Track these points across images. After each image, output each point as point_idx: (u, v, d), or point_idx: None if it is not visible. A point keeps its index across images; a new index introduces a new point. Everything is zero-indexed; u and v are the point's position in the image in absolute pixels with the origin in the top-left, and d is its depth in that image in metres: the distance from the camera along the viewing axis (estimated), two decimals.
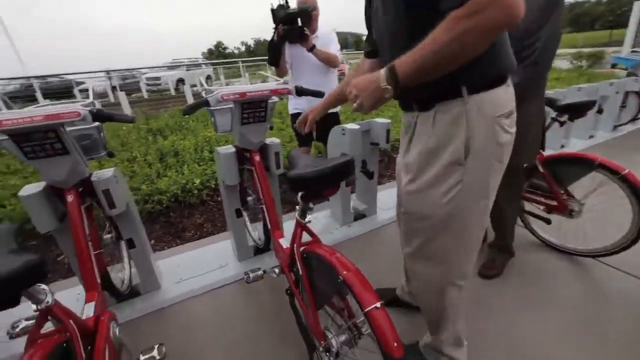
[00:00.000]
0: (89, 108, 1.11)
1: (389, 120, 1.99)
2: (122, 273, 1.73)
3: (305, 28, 1.96)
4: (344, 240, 2.15)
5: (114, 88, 13.33)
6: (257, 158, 1.56)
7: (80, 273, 1.23)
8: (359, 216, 2.35)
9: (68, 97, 11.24)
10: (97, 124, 1.29)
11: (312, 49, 2.03)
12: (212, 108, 1.47)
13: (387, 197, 2.57)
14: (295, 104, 2.39)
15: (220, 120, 1.57)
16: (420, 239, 0.98)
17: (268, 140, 1.66)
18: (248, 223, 2.03)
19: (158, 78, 13.01)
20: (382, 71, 0.74)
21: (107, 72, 11.60)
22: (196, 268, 1.90)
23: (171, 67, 14.37)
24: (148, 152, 3.73)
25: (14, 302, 0.69)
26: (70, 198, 1.25)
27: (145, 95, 12.06)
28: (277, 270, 1.40)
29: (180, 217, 2.56)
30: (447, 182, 0.85)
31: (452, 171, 0.84)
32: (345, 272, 0.88)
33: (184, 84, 13.51)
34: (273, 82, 1.50)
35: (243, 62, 12.96)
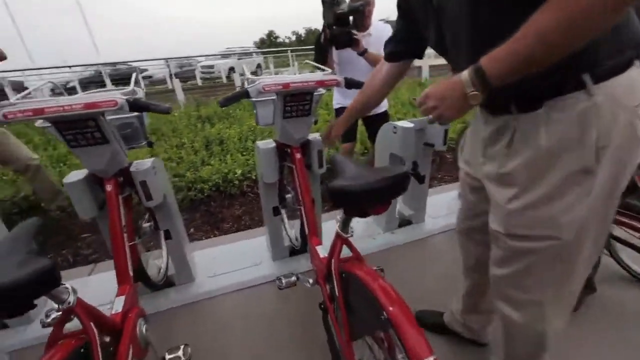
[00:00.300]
0: (126, 97, 1.06)
1: None
2: (159, 261, 1.74)
3: (354, 32, 1.78)
4: (387, 248, 1.97)
5: (172, 75, 14.21)
6: (298, 155, 1.44)
7: (114, 265, 1.21)
8: (404, 222, 2.15)
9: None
10: (136, 113, 1.25)
11: (363, 52, 1.85)
12: (253, 99, 1.37)
13: (437, 203, 2.33)
14: (339, 99, 2.23)
15: (262, 112, 1.47)
16: (525, 262, 0.78)
17: (311, 136, 1.53)
18: (286, 221, 1.94)
19: (212, 66, 13.53)
20: (465, 74, 0.61)
21: (166, 59, 12.29)
22: (230, 263, 1.85)
23: (224, 56, 14.87)
24: (195, 139, 3.82)
25: (28, 308, 0.64)
26: (109, 188, 1.24)
27: (199, 82, 12.63)
28: (311, 280, 1.28)
29: (220, 207, 2.56)
30: (571, 196, 0.66)
31: (577, 181, 0.65)
32: (391, 309, 0.72)
33: (234, 72, 13.97)
34: (319, 73, 1.35)
35: (292, 51, 12.97)
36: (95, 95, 1.07)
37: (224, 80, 12.77)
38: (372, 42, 1.94)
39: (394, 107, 4.95)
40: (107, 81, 10.81)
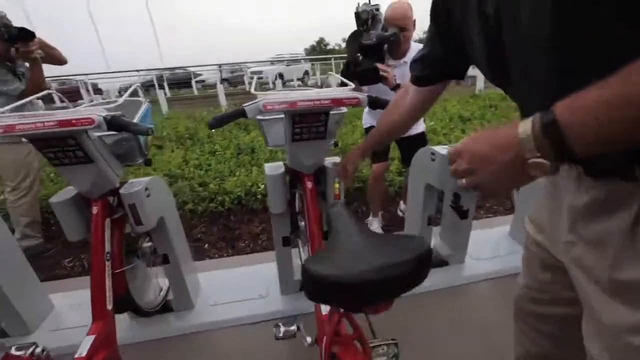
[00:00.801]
0: (104, 114, 0.92)
1: None
2: (161, 282, 1.62)
3: (383, 66, 1.54)
4: (414, 293, 1.65)
5: (224, 80, 14.88)
6: (310, 184, 1.21)
7: (91, 297, 1.08)
8: (439, 263, 1.82)
9: (187, 87, 12.96)
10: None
11: (395, 88, 1.58)
12: (259, 118, 1.18)
13: (481, 241, 1.95)
14: (368, 119, 1.98)
15: (270, 132, 1.27)
16: None
17: (328, 161, 1.30)
18: (301, 252, 1.72)
19: (261, 72, 13.92)
20: (527, 127, 0.38)
21: (219, 65, 12.87)
22: (235, 292, 1.68)
23: (273, 62, 15.24)
24: (229, 146, 3.78)
25: None
26: (95, 210, 1.12)
27: (247, 87, 13.01)
28: (309, 340, 1.04)
29: (239, 223, 2.42)
30: None
31: None
32: None
33: (283, 78, 14.22)
34: (339, 89, 1.11)
35: (335, 58, 12.92)
36: (75, 111, 0.94)
37: (271, 85, 13.06)
38: (408, 72, 1.68)
39: (440, 121, 4.52)
40: (165, 85, 11.57)
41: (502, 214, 2.44)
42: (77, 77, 11.23)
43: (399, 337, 0.84)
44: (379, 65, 1.54)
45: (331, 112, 1.17)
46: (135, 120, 1.20)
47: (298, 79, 13.94)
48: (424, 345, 1.34)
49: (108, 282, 1.12)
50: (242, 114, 0.96)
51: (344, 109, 1.18)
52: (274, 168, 1.30)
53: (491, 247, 1.95)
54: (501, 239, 2.02)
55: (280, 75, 13.37)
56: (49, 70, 2.11)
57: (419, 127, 1.94)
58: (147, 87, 11.55)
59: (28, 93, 1.84)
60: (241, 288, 1.71)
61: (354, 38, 1.58)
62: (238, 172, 2.99)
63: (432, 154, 1.41)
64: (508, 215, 2.37)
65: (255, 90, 1.05)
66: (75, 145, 0.98)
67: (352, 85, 1.12)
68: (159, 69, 12.96)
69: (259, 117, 1.18)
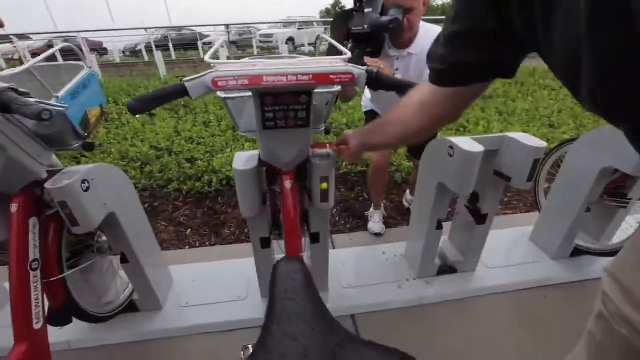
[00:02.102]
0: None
1: (544, 143, 1.09)
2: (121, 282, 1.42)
3: (379, 60, 1.20)
4: (413, 305, 1.43)
5: (232, 43, 14.18)
6: (288, 184, 0.94)
7: (11, 314, 0.88)
8: (447, 269, 1.57)
9: (194, 49, 12.34)
10: (56, 105, 0.85)
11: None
12: (223, 96, 0.89)
13: (497, 245, 1.68)
14: (368, 102, 1.65)
15: (240, 114, 0.98)
16: None
17: (317, 152, 1.02)
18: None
19: (270, 35, 13.13)
20: None
21: (227, 26, 12.17)
22: (210, 291, 1.48)
23: (285, 25, 14.33)
24: (225, 116, 3.49)
25: None
26: (13, 208, 0.89)
27: (255, 52, 12.36)
28: None
29: (227, 207, 2.19)
30: None
31: None
32: None
33: (294, 43, 13.42)
34: (330, 58, 0.79)
35: None
36: None
37: (280, 50, 12.36)
38: (413, 64, 1.33)
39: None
40: (170, 46, 11.02)
41: (521, 212, 2.14)
42: (82, 34, 10.75)
43: None
44: (368, 60, 1.18)
45: (317, 91, 0.88)
46: (63, 92, 0.93)
47: (310, 44, 13.13)
48: None
49: (35, 295, 0.91)
50: (182, 92, 0.68)
51: (337, 87, 0.88)
52: (245, 159, 1.02)
53: (509, 252, 1.68)
54: (521, 243, 1.74)
55: (291, 40, 12.60)
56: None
57: None
58: (155, 46, 10.98)
59: None
60: (219, 286, 1.51)
61: (341, 19, 1.21)
62: (230, 149, 2.72)
63: (451, 147, 1.10)
64: (530, 214, 2.08)
65: (211, 58, 0.75)
66: None
67: (347, 53, 0.81)
68: (165, 28, 12.33)
69: (222, 94, 0.89)
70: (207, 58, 0.76)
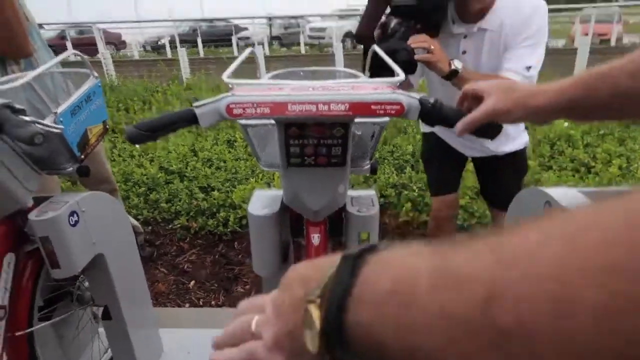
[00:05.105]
0: None
1: None
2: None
3: (417, 49, 1.20)
4: None
5: (275, 38, 15.24)
6: (316, 239, 0.98)
7: None
8: None
9: (228, 45, 13.44)
10: (51, 126, 1.00)
11: (451, 75, 1.24)
12: (242, 122, 0.98)
13: None
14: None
15: (261, 143, 1.06)
16: None
17: (354, 196, 1.05)
18: None
19: (323, 29, 13.89)
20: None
21: (269, 18, 13.17)
22: None
23: (342, 17, 15.12)
24: None
25: None
26: None
27: (303, 50, 13.08)
28: None
29: (243, 253, 2.28)
30: None
31: None
32: None
33: (352, 40, 14.01)
34: (370, 82, 0.84)
35: None
36: None
37: (334, 48, 12.94)
38: (487, 44, 1.33)
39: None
40: (199, 42, 12.17)
41: None
42: (100, 25, 12.25)
43: None
44: (412, 40, 1.19)
45: (360, 121, 0.92)
46: (63, 108, 1.09)
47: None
48: None
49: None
50: (191, 119, 0.76)
51: (384, 119, 0.92)
52: (265, 201, 1.08)
53: None
54: None
55: (350, 35, 13.14)
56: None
57: (517, 139, 1.55)
58: (180, 42, 12.24)
59: None
60: None
61: None
62: (255, 178, 2.86)
63: (548, 203, 1.06)
64: None
65: (231, 75, 0.84)
66: None
67: (400, 74, 0.85)
68: (194, 20, 13.73)
69: (242, 121, 0.98)
70: (225, 76, 0.85)
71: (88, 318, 1.44)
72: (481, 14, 1.32)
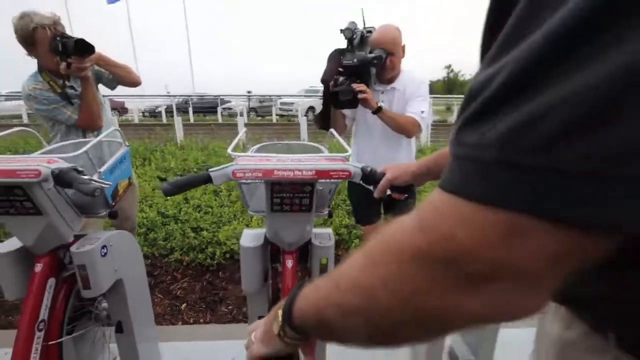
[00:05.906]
0: (53, 167, 0.91)
1: None
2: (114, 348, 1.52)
3: (360, 91, 1.53)
4: None
5: (252, 109, 15.68)
6: (289, 263, 1.12)
7: None
8: None
9: (214, 114, 13.67)
10: (102, 182, 1.11)
11: (376, 111, 1.59)
12: (240, 181, 1.13)
13: (514, 342, 1.69)
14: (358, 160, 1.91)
15: (251, 195, 1.22)
16: None
17: (318, 233, 1.21)
18: None
19: (292, 103, 14.51)
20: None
21: (249, 94, 13.65)
22: None
23: (307, 95, 15.90)
24: (235, 187, 3.81)
25: None
26: (37, 268, 1.09)
27: (274, 119, 13.54)
28: None
29: (227, 282, 2.32)
30: None
31: None
32: None
33: (314, 112, 14.69)
34: (326, 156, 1.05)
35: None
36: (24, 160, 0.95)
37: (299, 118, 13.49)
38: (396, 98, 1.70)
39: None
40: (190, 110, 12.33)
41: None
42: (107, 96, 12.15)
43: None
44: (355, 86, 1.52)
45: (321, 182, 1.11)
46: (105, 168, 1.20)
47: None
48: None
49: (34, 357, 1.05)
50: (207, 180, 0.91)
51: (339, 180, 1.11)
52: (252, 237, 1.22)
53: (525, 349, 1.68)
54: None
55: (312, 109, 13.84)
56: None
57: None
58: (171, 110, 12.31)
59: (80, 121, 1.71)
60: None
61: (336, 55, 1.59)
62: (237, 220, 2.95)
63: None
64: None
65: (242, 146, 1.01)
66: (23, 195, 0.97)
67: (348, 151, 1.05)
68: (185, 96, 13.93)
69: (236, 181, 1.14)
70: (229, 150, 1.02)
71: (100, 334, 1.45)
72: (392, 79, 1.72)
